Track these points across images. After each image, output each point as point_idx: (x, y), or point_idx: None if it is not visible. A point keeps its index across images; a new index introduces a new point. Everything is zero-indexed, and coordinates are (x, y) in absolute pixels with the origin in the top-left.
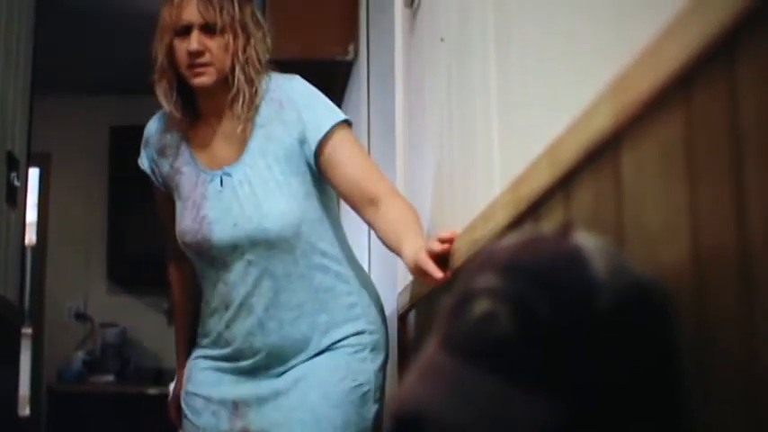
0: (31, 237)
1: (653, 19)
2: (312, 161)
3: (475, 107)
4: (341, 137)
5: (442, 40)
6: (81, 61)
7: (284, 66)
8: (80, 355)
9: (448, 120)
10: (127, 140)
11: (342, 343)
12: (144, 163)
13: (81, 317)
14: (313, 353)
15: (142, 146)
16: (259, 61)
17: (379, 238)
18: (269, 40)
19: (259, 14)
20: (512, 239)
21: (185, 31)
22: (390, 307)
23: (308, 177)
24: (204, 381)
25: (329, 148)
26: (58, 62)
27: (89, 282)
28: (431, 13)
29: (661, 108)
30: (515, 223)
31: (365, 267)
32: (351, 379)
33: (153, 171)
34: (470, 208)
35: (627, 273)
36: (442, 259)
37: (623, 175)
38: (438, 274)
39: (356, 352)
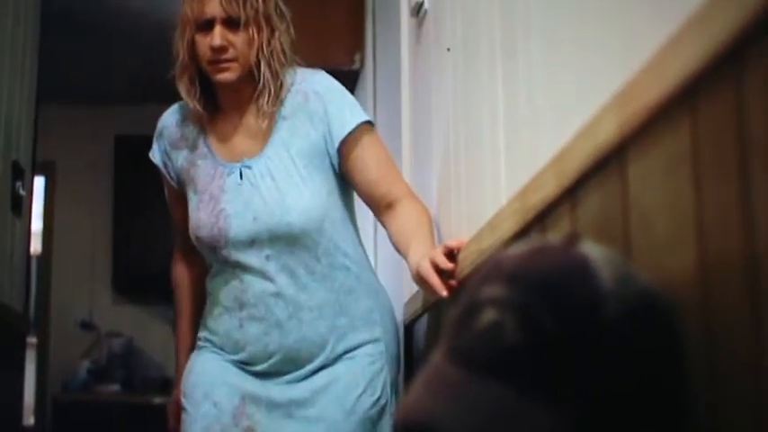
0: (36, 246)
1: (660, 29)
2: (335, 159)
3: (481, 117)
4: (365, 137)
5: (448, 49)
6: (86, 71)
7: None
8: (86, 364)
9: (454, 129)
10: (131, 149)
11: (359, 351)
12: (156, 156)
13: (87, 326)
14: (329, 358)
15: (155, 138)
16: (284, 54)
17: (391, 241)
18: (293, 32)
19: (282, 5)
20: (518, 249)
21: (208, 25)
22: (397, 316)
23: (331, 175)
24: (207, 370)
25: (352, 149)
26: (63, 72)
27: (94, 291)
28: (437, 22)
29: (667, 118)
30: (522, 233)
31: None
32: (370, 393)
33: (165, 164)
34: (477, 217)
35: (633, 282)
36: (446, 271)
37: (629, 185)
38: (443, 291)
39: (373, 362)
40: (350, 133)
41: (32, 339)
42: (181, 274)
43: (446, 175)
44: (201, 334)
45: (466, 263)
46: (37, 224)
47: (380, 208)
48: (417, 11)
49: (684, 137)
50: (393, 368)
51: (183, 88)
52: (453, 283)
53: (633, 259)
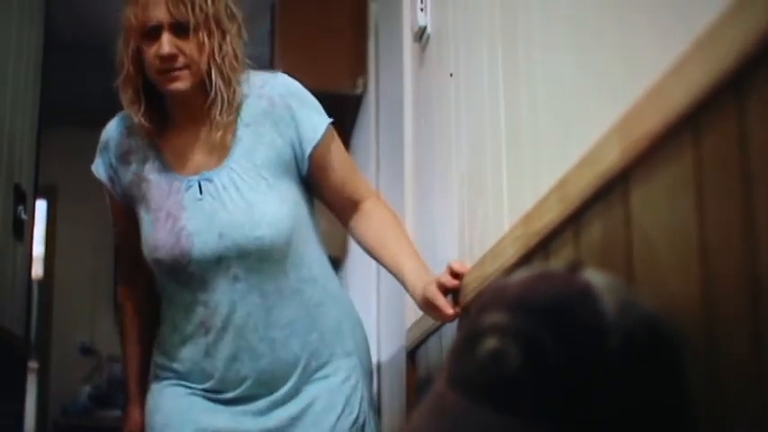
0: (37, 270)
1: (662, 56)
2: (304, 165)
3: (484, 142)
4: (331, 139)
5: (450, 74)
6: (88, 95)
7: None
8: (86, 389)
9: (456, 154)
10: None
11: (332, 369)
12: (99, 171)
13: (88, 351)
14: (303, 378)
15: (99, 150)
16: (236, 58)
17: (362, 242)
18: (245, 33)
19: (232, 5)
20: (521, 276)
21: (154, 32)
22: (399, 342)
23: (297, 182)
24: (176, 410)
25: (323, 152)
26: (66, 96)
27: (96, 315)
28: (439, 47)
29: (670, 145)
30: (525, 259)
31: (373, 302)
32: (348, 413)
33: (111, 179)
34: (480, 243)
35: (636, 310)
36: (451, 293)
37: (632, 211)
38: (449, 310)
39: (348, 378)
40: (320, 139)
41: (33, 364)
42: (129, 298)
43: (449, 201)
44: (160, 361)
45: (468, 289)
46: (38, 248)
47: (347, 209)
48: (420, 36)
49: (687, 163)
50: (368, 382)
51: (126, 102)
52: (457, 310)
53: (636, 286)
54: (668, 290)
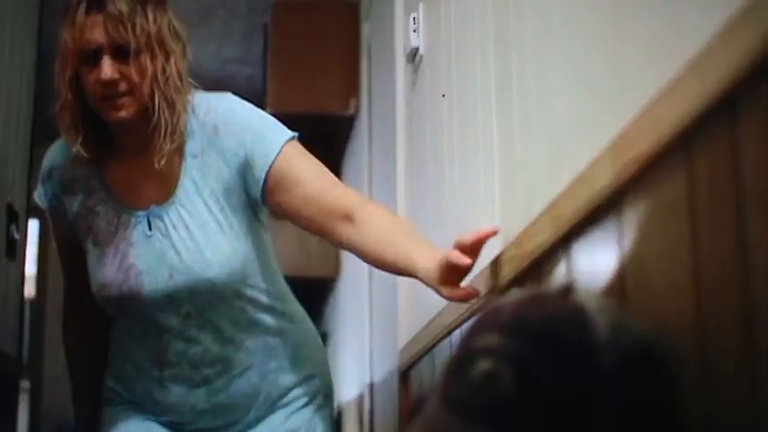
0: (30, 290)
1: (656, 77)
2: (258, 191)
3: (477, 163)
4: (292, 155)
5: (443, 95)
6: None
7: (285, 120)
8: None
9: (449, 175)
10: None
11: (293, 394)
12: (42, 199)
13: None
14: (263, 408)
15: (41, 180)
16: (180, 79)
17: (366, 256)
18: (189, 52)
19: (176, 22)
20: (514, 297)
21: (93, 56)
22: (391, 363)
23: (248, 210)
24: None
25: (281, 172)
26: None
27: None
28: (432, 68)
29: (663, 166)
30: (518, 280)
31: (366, 322)
32: None
33: (55, 209)
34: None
35: (629, 332)
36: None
37: (625, 232)
38: (464, 259)
39: (308, 402)
40: (275, 158)
41: (26, 384)
42: (75, 323)
43: (441, 222)
44: (113, 386)
45: (461, 310)
46: (31, 268)
47: (334, 224)
48: (413, 57)
49: (680, 184)
50: (329, 401)
51: (64, 130)
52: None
53: (629, 307)
54: (661, 311)
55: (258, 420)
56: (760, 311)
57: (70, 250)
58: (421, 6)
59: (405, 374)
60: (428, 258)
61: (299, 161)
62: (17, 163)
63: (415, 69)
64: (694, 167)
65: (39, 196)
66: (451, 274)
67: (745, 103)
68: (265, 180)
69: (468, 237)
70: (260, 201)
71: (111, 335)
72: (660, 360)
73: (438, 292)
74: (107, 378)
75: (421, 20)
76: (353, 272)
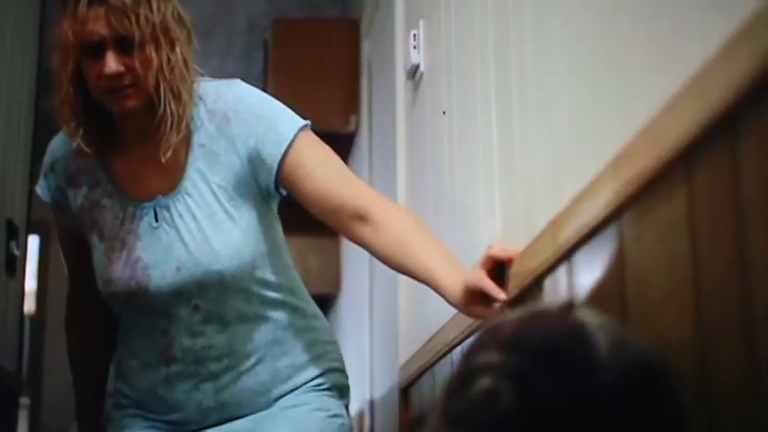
0: (30, 306)
1: (656, 93)
2: (270, 181)
3: (477, 180)
4: (304, 145)
5: (444, 112)
6: None
7: None
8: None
9: (450, 191)
10: None
11: (306, 396)
12: (44, 193)
13: None
14: (274, 409)
15: (44, 172)
16: (186, 67)
17: (383, 261)
18: (195, 39)
19: (181, 8)
20: (514, 315)
21: (96, 49)
22: (392, 380)
23: (259, 201)
24: None
25: (293, 163)
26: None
27: None
28: (432, 85)
29: (663, 184)
30: (519, 298)
31: (366, 339)
32: (324, 410)
33: (58, 203)
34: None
35: (629, 349)
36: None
37: (626, 249)
38: (500, 293)
39: (321, 390)
40: (288, 148)
41: (25, 400)
42: (78, 322)
43: (442, 239)
44: (119, 387)
45: (462, 327)
46: (31, 284)
47: (348, 223)
48: (413, 73)
49: (681, 202)
50: (346, 398)
51: (64, 124)
52: (508, 293)
53: (630, 324)
54: (662, 328)
55: (266, 421)
56: (760, 326)
57: (74, 247)
58: (421, 23)
59: (405, 391)
60: (452, 280)
61: (312, 151)
62: (17, 179)
63: (416, 86)
64: (695, 184)
65: (41, 189)
66: (481, 297)
67: (745, 120)
68: (278, 170)
69: (500, 253)
70: (272, 191)
71: (118, 335)
72: (661, 376)
73: (466, 312)
74: (114, 379)
75: (421, 36)
76: (354, 288)
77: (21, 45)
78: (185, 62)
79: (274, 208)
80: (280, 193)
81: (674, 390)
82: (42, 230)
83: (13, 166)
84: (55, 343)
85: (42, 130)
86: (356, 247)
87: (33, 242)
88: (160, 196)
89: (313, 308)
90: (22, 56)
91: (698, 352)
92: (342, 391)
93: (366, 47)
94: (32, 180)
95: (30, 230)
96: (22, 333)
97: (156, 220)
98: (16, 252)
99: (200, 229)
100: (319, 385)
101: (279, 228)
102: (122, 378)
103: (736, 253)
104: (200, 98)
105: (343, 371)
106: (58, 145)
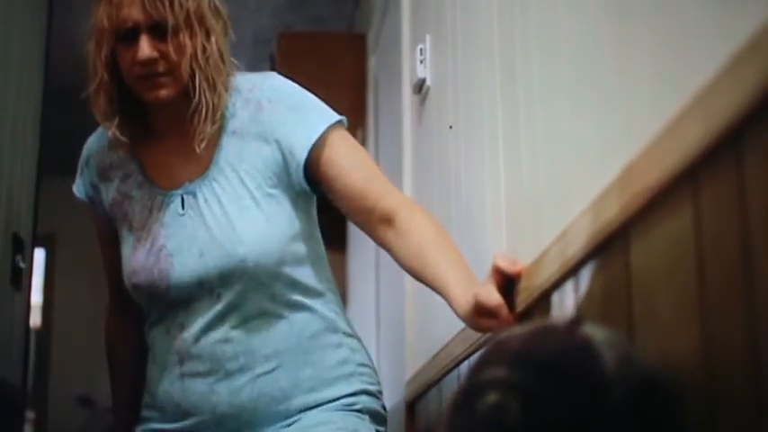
0: (35, 319)
1: (662, 108)
2: (301, 175)
3: (484, 195)
4: (336, 140)
5: (450, 127)
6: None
7: None
8: None
9: (456, 206)
10: None
11: (333, 404)
12: (80, 190)
13: (85, 401)
14: (294, 413)
15: (80, 168)
16: (222, 59)
17: (402, 266)
18: (231, 31)
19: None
20: (521, 330)
21: (131, 35)
22: (398, 394)
23: (294, 196)
24: None
25: (323, 157)
26: (65, 145)
27: (94, 365)
28: (439, 100)
29: (669, 199)
30: (526, 313)
31: (373, 353)
32: (350, 430)
33: (92, 200)
34: None
35: (636, 365)
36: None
37: (632, 265)
38: (504, 310)
39: (350, 410)
40: (317, 141)
41: (30, 414)
42: (117, 329)
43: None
44: (146, 400)
45: (469, 342)
46: (37, 297)
47: (373, 224)
48: (419, 88)
49: (686, 217)
50: (381, 427)
51: (99, 112)
52: (515, 313)
53: (636, 339)
54: (668, 343)
55: (287, 425)
56: (766, 342)
57: (111, 251)
58: (428, 38)
59: (411, 406)
60: (462, 292)
61: (343, 148)
62: (24, 192)
63: (422, 101)
64: (701, 200)
65: (76, 188)
66: (488, 310)
67: (751, 136)
68: (306, 163)
69: (508, 267)
70: (305, 186)
71: (146, 332)
72: (667, 392)
73: (472, 324)
74: (145, 394)
75: (428, 51)
76: (360, 303)
77: (27, 60)
78: (221, 53)
79: (313, 212)
80: (313, 191)
81: (680, 405)
82: (48, 244)
83: (20, 179)
84: (60, 357)
85: (48, 145)
86: (362, 261)
87: (39, 255)
88: (188, 183)
89: (350, 329)
90: (30, 67)
91: (704, 367)
92: (376, 417)
93: (372, 61)
94: (38, 194)
95: (36, 244)
96: (27, 346)
97: (183, 208)
98: (22, 265)
99: (225, 213)
100: (349, 405)
101: (318, 236)
102: (147, 389)
103: (742, 268)
104: (236, 89)
105: (378, 398)
106: (93, 140)
